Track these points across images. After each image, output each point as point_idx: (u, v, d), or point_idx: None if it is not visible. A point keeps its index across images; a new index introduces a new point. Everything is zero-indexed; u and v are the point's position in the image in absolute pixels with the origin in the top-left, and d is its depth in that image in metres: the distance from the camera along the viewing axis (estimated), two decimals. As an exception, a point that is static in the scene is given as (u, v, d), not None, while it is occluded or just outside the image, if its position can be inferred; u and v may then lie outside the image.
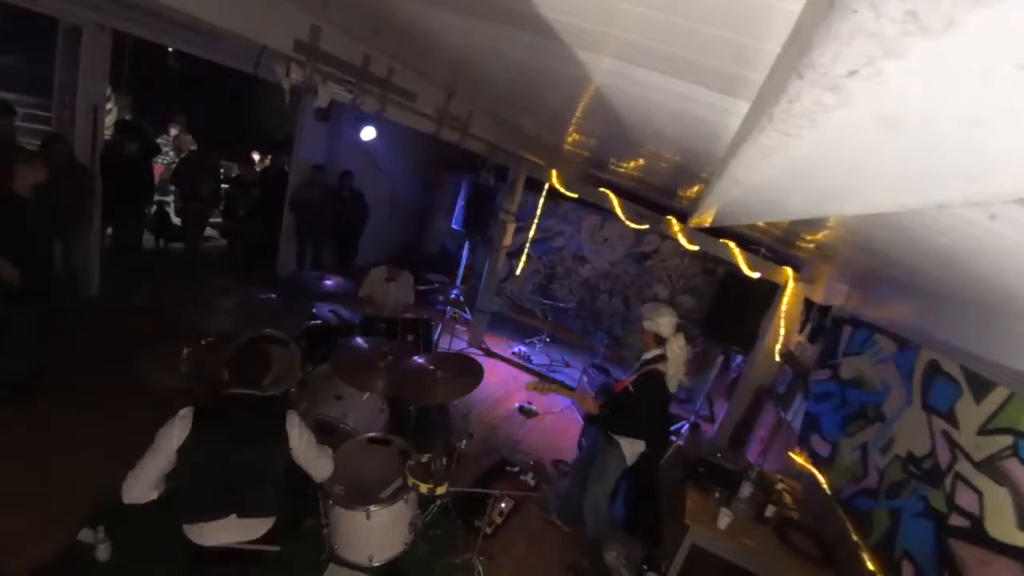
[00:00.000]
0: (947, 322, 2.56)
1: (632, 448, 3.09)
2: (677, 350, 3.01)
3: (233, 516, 2.00)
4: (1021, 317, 1.94)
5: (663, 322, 3.03)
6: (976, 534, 1.94)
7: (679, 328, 3.08)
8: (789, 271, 4.81)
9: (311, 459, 2.14)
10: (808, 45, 0.32)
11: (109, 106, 6.11)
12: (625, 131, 2.33)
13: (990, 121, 0.37)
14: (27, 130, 5.41)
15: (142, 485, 1.89)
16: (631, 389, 3.06)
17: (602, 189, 5.69)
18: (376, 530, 2.44)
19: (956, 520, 2.06)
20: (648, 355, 3.10)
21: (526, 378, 5.84)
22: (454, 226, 6.99)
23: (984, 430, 2.08)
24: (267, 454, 2.02)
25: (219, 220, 7.13)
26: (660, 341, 3.05)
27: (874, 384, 3.08)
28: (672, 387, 3.05)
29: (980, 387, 2.18)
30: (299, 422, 2.06)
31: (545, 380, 3.34)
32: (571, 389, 3.12)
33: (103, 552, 2.40)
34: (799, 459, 3.68)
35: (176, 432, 1.87)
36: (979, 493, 1.99)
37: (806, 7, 0.52)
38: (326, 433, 2.75)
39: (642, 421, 3.07)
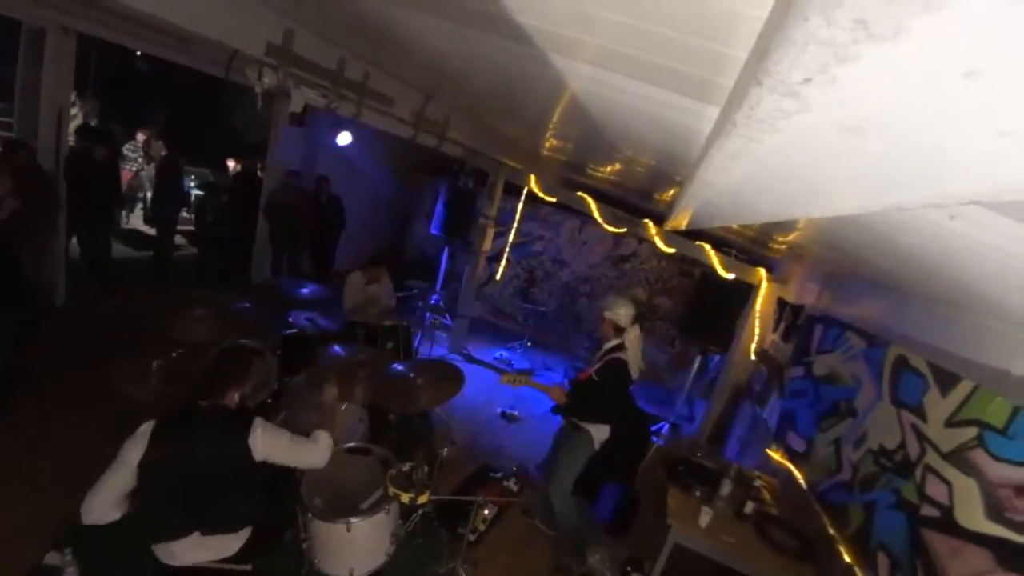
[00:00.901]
0: (915, 318, 2.64)
1: (599, 433, 3.25)
2: (633, 339, 3.21)
3: (197, 534, 1.93)
4: (984, 313, 2.01)
5: (622, 313, 3.21)
6: (946, 524, 2.00)
7: (636, 319, 3.26)
8: (763, 272, 4.91)
9: (293, 457, 2.08)
10: (766, 52, 0.33)
11: (73, 111, 5.92)
12: (602, 136, 2.36)
13: (942, 125, 0.38)
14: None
15: (101, 504, 1.79)
16: (595, 378, 3.19)
17: (580, 193, 5.74)
18: (357, 542, 2.39)
19: (927, 510, 2.12)
20: (609, 344, 3.26)
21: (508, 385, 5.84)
22: (433, 231, 6.94)
23: (951, 422, 2.14)
24: (232, 467, 1.94)
25: (190, 228, 6.96)
26: (618, 331, 3.22)
27: (846, 380, 3.16)
28: (634, 373, 3.21)
29: (946, 381, 2.25)
30: (262, 430, 1.97)
31: (518, 373, 3.42)
32: (542, 384, 3.28)
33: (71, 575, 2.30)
34: (776, 455, 3.75)
35: (136, 447, 1.81)
36: (948, 484, 2.05)
37: (769, 17, 0.53)
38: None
39: (609, 407, 3.21)
